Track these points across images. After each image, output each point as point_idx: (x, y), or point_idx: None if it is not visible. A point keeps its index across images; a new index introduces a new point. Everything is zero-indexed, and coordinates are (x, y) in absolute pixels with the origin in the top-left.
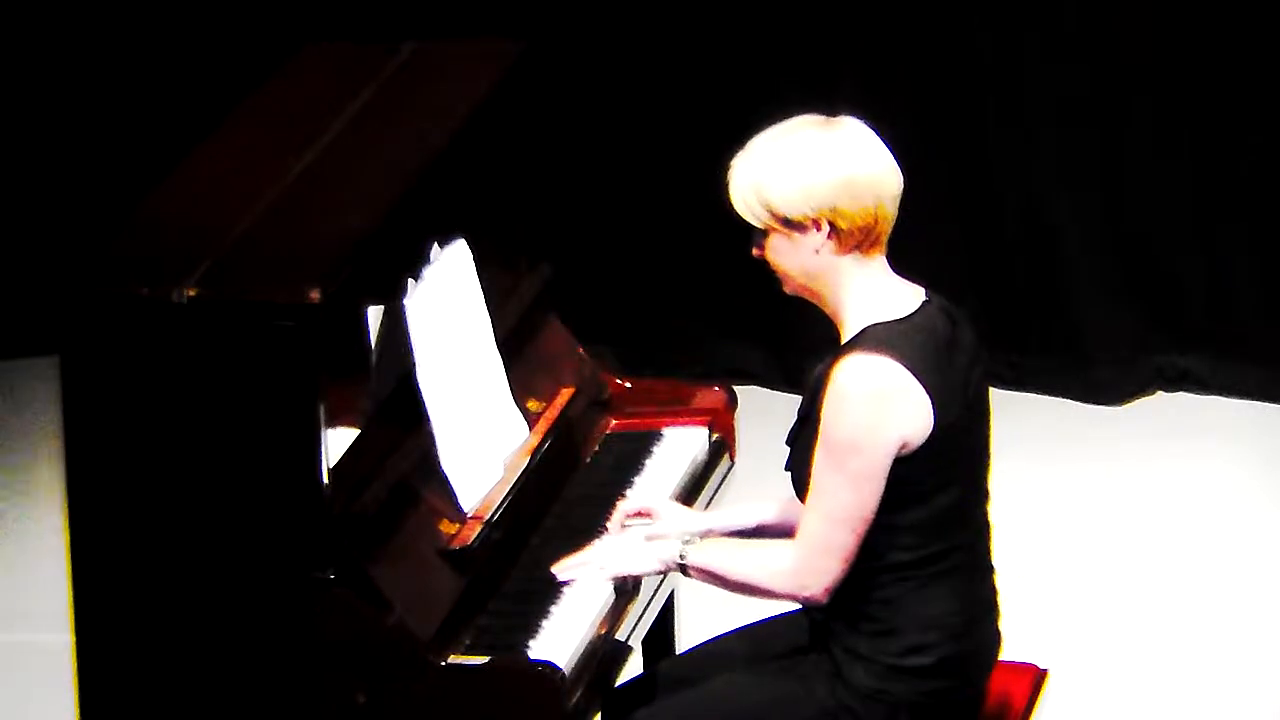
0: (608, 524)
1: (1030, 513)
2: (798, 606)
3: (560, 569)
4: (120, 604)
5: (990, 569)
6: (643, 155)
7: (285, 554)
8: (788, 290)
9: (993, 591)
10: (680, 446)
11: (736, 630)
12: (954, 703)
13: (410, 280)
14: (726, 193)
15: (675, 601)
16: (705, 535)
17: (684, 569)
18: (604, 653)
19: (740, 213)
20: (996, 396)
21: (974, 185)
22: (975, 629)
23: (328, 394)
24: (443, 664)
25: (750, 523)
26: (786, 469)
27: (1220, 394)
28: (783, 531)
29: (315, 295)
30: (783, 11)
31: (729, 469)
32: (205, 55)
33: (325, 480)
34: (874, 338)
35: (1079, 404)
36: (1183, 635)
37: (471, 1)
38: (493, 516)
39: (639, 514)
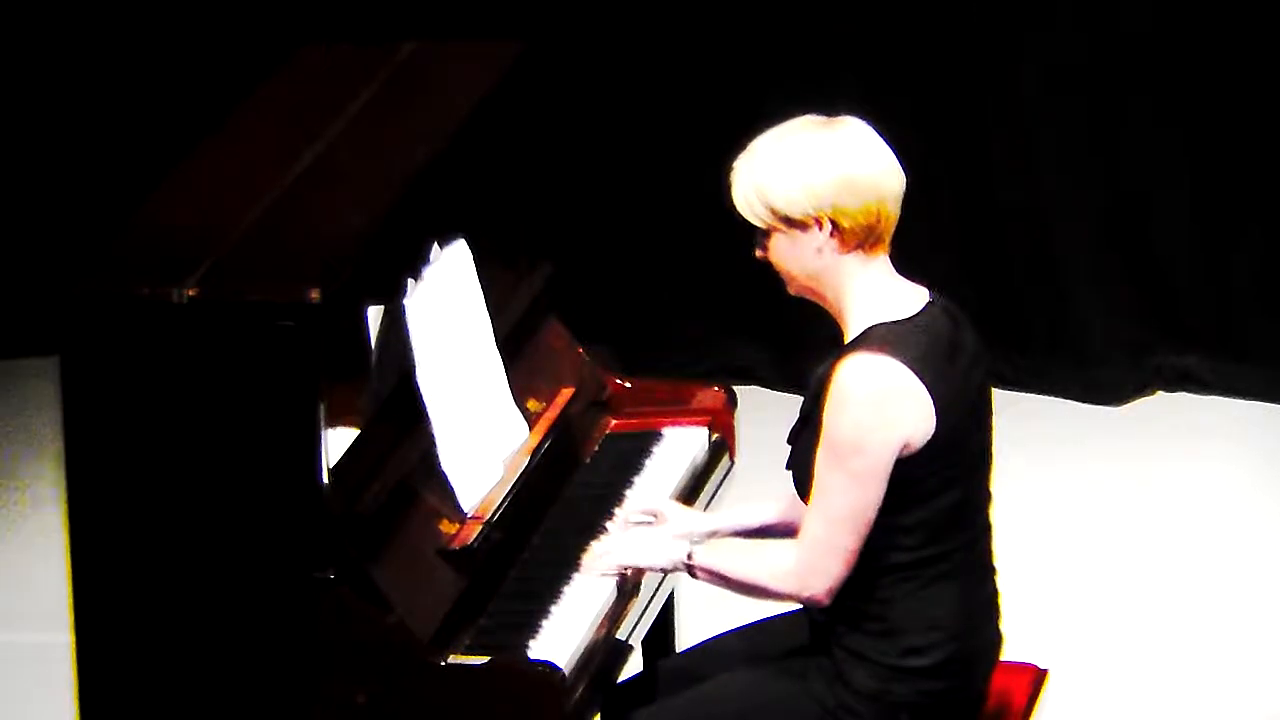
0: (608, 524)
1: (1030, 513)
2: (799, 606)
3: (586, 561)
4: (120, 604)
5: (991, 569)
6: (643, 155)
7: (285, 554)
8: (791, 291)
9: (994, 592)
10: (680, 446)
11: (736, 629)
12: (954, 703)
13: (410, 280)
14: (728, 194)
15: (675, 601)
16: (711, 536)
17: (691, 570)
18: (604, 652)
19: (742, 213)
20: (997, 396)
21: (974, 185)
22: (976, 629)
23: (328, 394)
24: (443, 664)
25: (756, 522)
26: (788, 468)
27: (1220, 394)
28: (789, 531)
29: (315, 295)
30: (784, 11)
31: (729, 469)
32: (205, 55)
33: (325, 480)
34: (877, 338)
35: (1079, 404)
36: (1183, 635)
37: (471, 1)
38: (493, 516)
39: (645, 514)
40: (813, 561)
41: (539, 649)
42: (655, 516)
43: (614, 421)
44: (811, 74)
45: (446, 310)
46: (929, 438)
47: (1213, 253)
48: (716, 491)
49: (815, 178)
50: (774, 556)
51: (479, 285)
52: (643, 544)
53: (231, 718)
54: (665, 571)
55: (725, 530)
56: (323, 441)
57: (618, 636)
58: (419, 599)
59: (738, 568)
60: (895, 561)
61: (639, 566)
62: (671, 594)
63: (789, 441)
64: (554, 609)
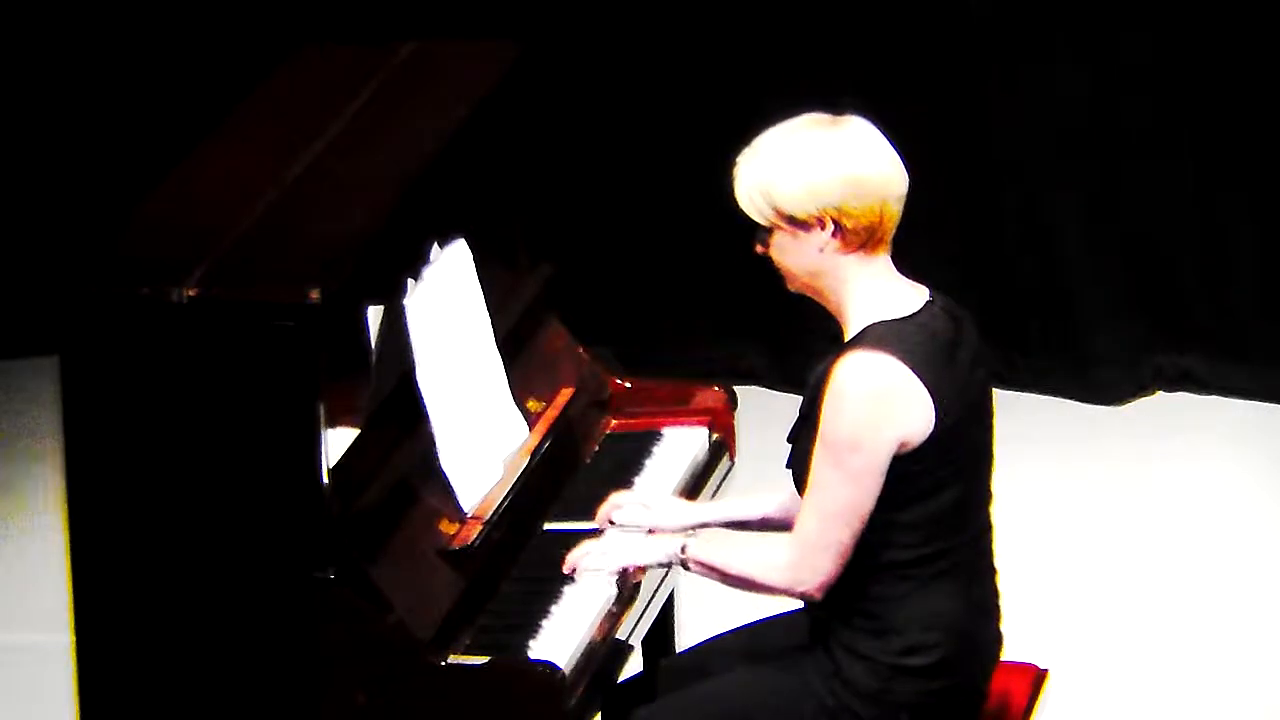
0: (608, 525)
1: (1030, 513)
2: (799, 605)
3: (569, 560)
4: (120, 604)
5: (992, 570)
6: (643, 155)
7: (285, 554)
8: (791, 288)
9: (994, 592)
10: (680, 446)
11: (736, 629)
12: (954, 703)
13: (410, 280)
14: (732, 191)
15: (675, 601)
16: (701, 527)
17: (684, 563)
18: (604, 652)
19: (745, 210)
20: (997, 396)
21: (974, 185)
22: (976, 629)
23: (328, 394)
24: (443, 664)
25: (755, 514)
26: (788, 467)
27: (1220, 394)
28: (786, 525)
29: (315, 295)
30: (784, 10)
31: (729, 469)
32: (205, 55)
33: (325, 480)
34: (875, 336)
35: (1079, 404)
36: (1183, 635)
37: (471, 1)
38: (493, 516)
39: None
40: (805, 556)
41: (539, 649)
42: (644, 506)
43: (614, 421)
44: (811, 74)
45: (446, 310)
46: (927, 435)
47: (1213, 253)
48: (716, 491)
49: (820, 177)
50: (767, 550)
51: (479, 285)
52: (635, 539)
53: (231, 718)
54: (659, 565)
55: (715, 522)
56: (323, 441)
57: (618, 636)
58: (419, 599)
59: (731, 560)
60: (895, 559)
61: (633, 563)
62: (671, 594)
63: (789, 440)
64: (554, 609)
